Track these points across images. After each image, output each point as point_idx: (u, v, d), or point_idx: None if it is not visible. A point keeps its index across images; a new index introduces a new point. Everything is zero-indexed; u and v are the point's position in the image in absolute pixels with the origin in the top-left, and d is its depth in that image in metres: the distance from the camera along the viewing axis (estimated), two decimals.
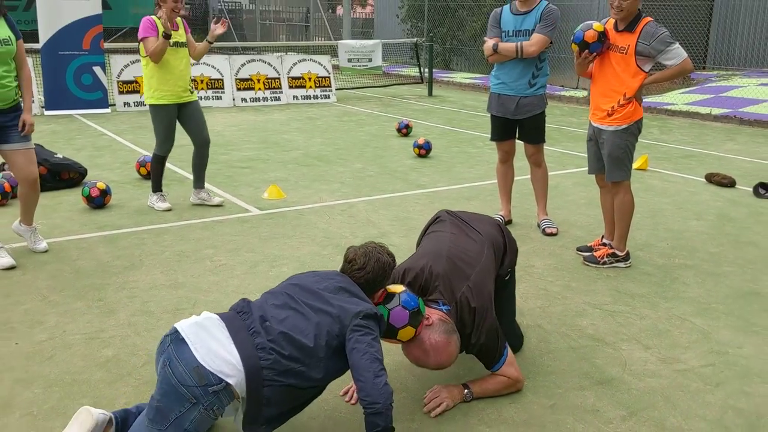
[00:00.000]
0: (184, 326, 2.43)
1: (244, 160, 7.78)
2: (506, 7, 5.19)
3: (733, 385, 3.17)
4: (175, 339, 2.40)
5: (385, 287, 2.80)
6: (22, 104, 4.50)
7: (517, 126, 5.31)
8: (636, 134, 4.47)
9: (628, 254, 4.65)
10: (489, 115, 5.44)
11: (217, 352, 2.35)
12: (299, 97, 13.06)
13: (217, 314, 2.54)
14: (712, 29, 16.67)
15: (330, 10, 30.70)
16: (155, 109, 5.62)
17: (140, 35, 5.40)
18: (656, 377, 3.22)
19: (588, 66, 4.52)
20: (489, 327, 2.93)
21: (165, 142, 5.70)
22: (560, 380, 3.18)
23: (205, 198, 5.92)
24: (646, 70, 4.33)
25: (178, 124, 5.76)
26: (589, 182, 6.94)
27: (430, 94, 14.90)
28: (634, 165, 7.42)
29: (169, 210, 5.76)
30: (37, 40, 10.62)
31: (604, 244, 4.78)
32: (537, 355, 3.41)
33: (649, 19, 4.29)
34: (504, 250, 3.30)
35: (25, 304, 3.91)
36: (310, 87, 13.22)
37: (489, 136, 5.56)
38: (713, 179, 7.09)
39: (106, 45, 11.59)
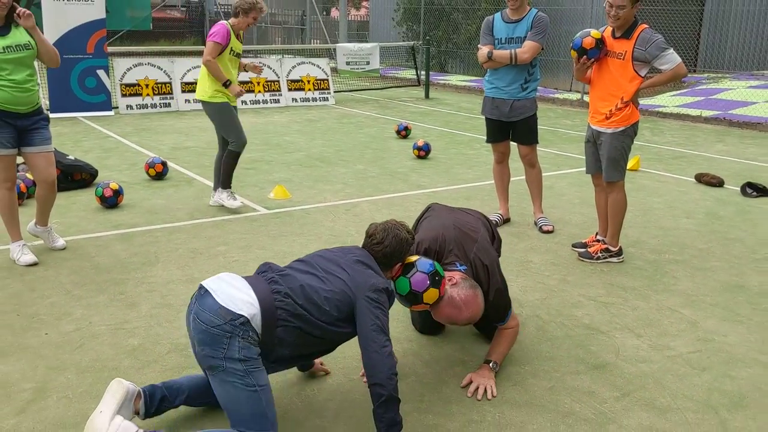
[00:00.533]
0: (207, 281, 2.70)
1: (249, 162, 8.00)
2: (498, 15, 5.44)
3: (718, 369, 3.41)
4: (198, 295, 2.66)
5: (402, 261, 3.01)
6: (43, 108, 4.72)
7: (511, 128, 5.56)
8: (632, 136, 4.71)
9: (620, 250, 4.89)
10: (484, 117, 5.68)
11: (236, 295, 2.62)
12: (298, 100, 13.29)
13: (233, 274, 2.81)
14: (702, 34, 16.98)
15: (325, 13, 30.91)
16: (220, 106, 5.70)
17: (212, 38, 5.62)
18: (647, 362, 3.45)
19: (586, 71, 4.76)
20: (500, 282, 3.25)
21: (241, 135, 5.78)
22: (558, 365, 3.41)
23: (222, 199, 5.95)
24: (643, 75, 4.55)
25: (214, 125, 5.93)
26: (582, 182, 7.19)
27: (426, 96, 15.15)
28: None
29: (240, 207, 5.93)
30: None
31: (598, 241, 5.02)
32: (536, 342, 3.64)
33: (645, 26, 4.51)
34: (492, 235, 3.58)
35: (50, 297, 4.12)
36: (309, 90, 13.45)
37: (485, 138, 5.80)
38: (702, 179, 7.35)
39: (110, 48, 11.79)
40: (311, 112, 12.42)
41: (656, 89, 14.27)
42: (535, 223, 5.67)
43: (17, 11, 4.43)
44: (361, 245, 3.01)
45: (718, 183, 7.23)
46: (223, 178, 5.90)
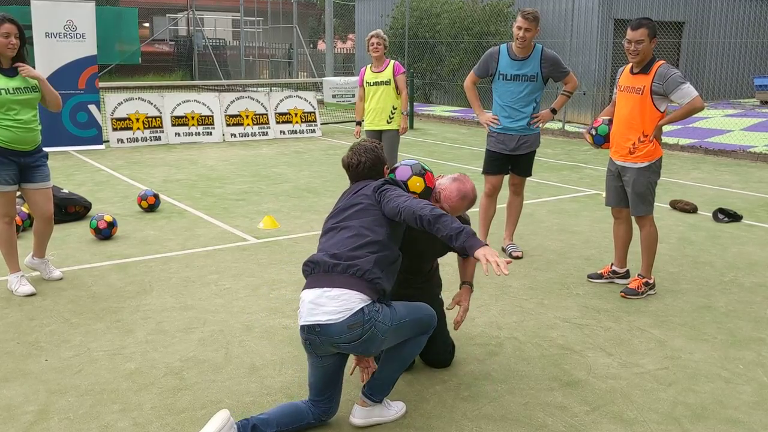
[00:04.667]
0: (308, 319, 2.94)
1: (238, 193, 8.22)
2: (503, 50, 5.62)
3: (683, 384, 3.63)
4: (317, 334, 2.93)
5: (384, 165, 3.38)
6: (42, 146, 4.94)
7: (513, 161, 5.80)
8: (657, 171, 4.83)
9: (654, 282, 5.03)
10: (484, 149, 5.89)
11: (339, 305, 2.90)
12: (286, 132, 13.56)
13: (306, 288, 3.05)
14: (680, 65, 17.48)
15: (312, 46, 31.40)
16: (397, 134, 7.24)
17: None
18: (617, 379, 3.67)
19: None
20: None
21: None
22: (533, 383, 3.62)
23: None
24: (662, 110, 4.71)
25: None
26: (561, 210, 7.45)
27: (411, 127, 15.47)
28: (604, 193, 7.94)
29: None
30: None
31: (615, 272, 5.16)
32: (513, 362, 3.85)
33: (662, 62, 4.69)
34: None
35: (49, 326, 4.30)
36: (297, 122, 13.74)
37: (469, 167, 6.06)
38: (677, 206, 7.63)
39: (100, 83, 12.03)
40: (299, 144, 12.69)
41: None
42: (504, 249, 5.89)
43: (19, 69, 4.65)
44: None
45: (692, 209, 7.51)
46: None
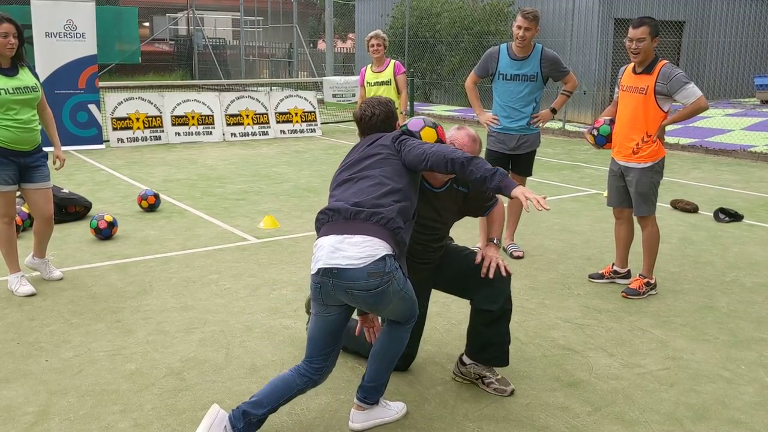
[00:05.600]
0: (327, 261, 2.85)
1: (239, 193, 8.21)
2: (503, 49, 5.61)
3: (685, 384, 3.62)
4: (331, 277, 2.85)
5: (396, 122, 3.36)
6: (42, 146, 4.93)
7: (512, 160, 5.79)
8: (660, 171, 4.81)
9: (656, 282, 5.01)
10: (485, 149, 5.88)
11: (361, 251, 2.83)
12: (286, 132, 13.55)
13: (323, 235, 2.96)
14: (680, 64, 17.47)
15: (312, 45, 31.39)
16: None
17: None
18: (618, 380, 3.66)
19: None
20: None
21: None
22: (534, 383, 3.62)
23: None
24: (665, 110, 4.69)
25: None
26: (562, 210, 7.45)
27: None
28: (604, 193, 7.94)
29: None
30: None
31: (616, 272, 5.15)
32: (514, 362, 3.84)
33: (665, 61, 4.67)
34: None
35: (50, 326, 4.29)
36: (297, 122, 13.73)
37: None
38: (678, 205, 7.62)
39: (100, 83, 12.03)
40: (299, 144, 12.68)
41: None
42: (505, 249, 5.88)
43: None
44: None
45: (692, 209, 7.50)
46: None
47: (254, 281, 5.12)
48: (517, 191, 2.85)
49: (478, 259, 3.48)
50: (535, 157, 6.02)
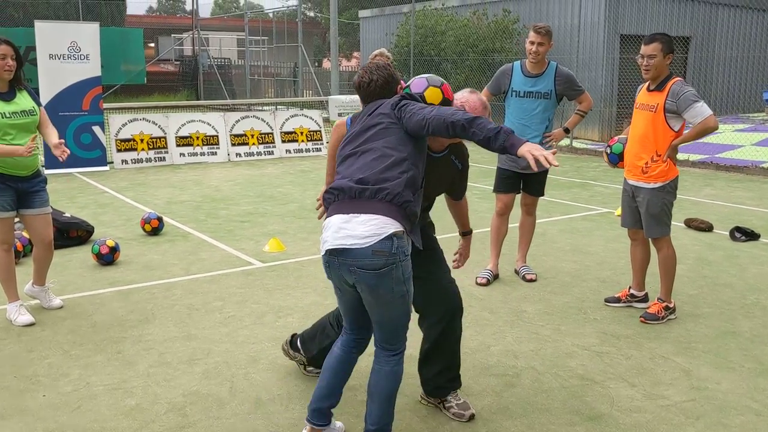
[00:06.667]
0: (333, 243, 2.81)
1: (243, 214, 8.08)
2: (517, 66, 5.49)
3: (711, 417, 3.44)
4: (337, 256, 2.81)
5: (398, 82, 3.21)
6: (42, 172, 4.81)
7: (523, 179, 5.64)
8: (672, 192, 4.65)
9: (674, 306, 4.84)
10: (495, 167, 5.74)
11: (367, 230, 2.75)
12: (292, 151, 13.45)
13: (330, 215, 2.89)
14: (687, 79, 17.34)
15: (317, 64, 31.41)
16: None
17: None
18: (642, 412, 3.49)
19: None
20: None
21: None
22: (553, 417, 3.44)
23: None
24: (676, 129, 4.54)
25: None
26: (573, 229, 7.28)
27: None
28: (616, 212, 7.78)
29: None
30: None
31: (633, 295, 4.99)
32: (531, 394, 3.67)
33: (678, 78, 4.54)
34: None
35: (48, 358, 4.14)
36: (302, 141, 13.63)
37: (477, 185, 5.90)
38: (692, 224, 7.45)
39: (105, 104, 11.96)
40: (304, 163, 12.57)
41: None
42: (517, 272, 5.72)
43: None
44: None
45: (707, 228, 7.33)
46: None
47: (259, 308, 4.97)
48: (524, 149, 2.71)
49: (456, 262, 3.71)
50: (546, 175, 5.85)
